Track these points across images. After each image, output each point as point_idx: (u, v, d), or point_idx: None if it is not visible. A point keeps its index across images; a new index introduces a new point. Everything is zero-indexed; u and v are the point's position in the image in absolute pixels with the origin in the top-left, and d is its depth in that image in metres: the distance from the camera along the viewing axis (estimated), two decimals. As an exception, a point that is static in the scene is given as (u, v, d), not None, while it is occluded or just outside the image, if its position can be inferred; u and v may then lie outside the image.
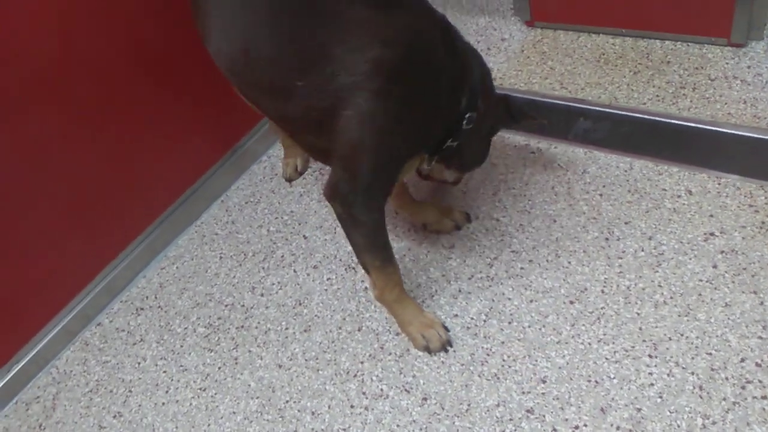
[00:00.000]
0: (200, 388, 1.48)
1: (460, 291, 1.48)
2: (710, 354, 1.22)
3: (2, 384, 1.60)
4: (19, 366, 1.62)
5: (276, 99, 1.29)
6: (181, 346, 1.59)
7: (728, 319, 1.26)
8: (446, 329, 1.40)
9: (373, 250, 1.31)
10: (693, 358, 1.22)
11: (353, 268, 1.61)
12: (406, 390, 1.34)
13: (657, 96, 1.76)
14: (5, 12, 1.39)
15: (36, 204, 1.57)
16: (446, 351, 1.38)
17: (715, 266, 1.35)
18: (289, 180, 1.94)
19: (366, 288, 1.56)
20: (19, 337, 1.64)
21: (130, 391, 1.53)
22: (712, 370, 1.20)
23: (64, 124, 1.57)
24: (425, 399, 1.32)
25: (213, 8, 1.33)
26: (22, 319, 1.63)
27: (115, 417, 1.49)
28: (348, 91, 1.16)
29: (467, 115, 1.28)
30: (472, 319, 1.42)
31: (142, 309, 1.72)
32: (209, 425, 1.40)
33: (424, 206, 1.61)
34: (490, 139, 1.50)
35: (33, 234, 1.58)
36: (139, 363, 1.59)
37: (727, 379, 1.18)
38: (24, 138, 1.50)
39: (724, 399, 1.16)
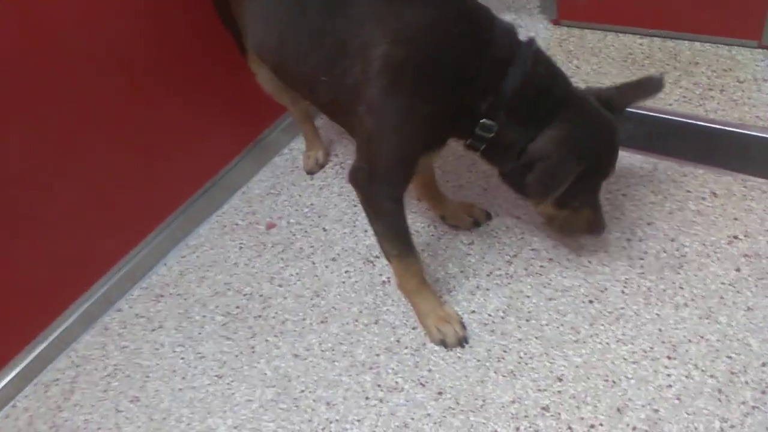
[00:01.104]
0: (217, 376, 1.49)
1: (478, 287, 1.47)
2: (730, 357, 1.21)
3: (23, 366, 1.62)
4: (40, 348, 1.65)
5: (310, 91, 1.34)
6: (199, 334, 1.60)
7: (750, 323, 1.24)
8: (463, 326, 1.39)
9: (391, 238, 1.32)
10: (713, 361, 1.21)
11: (371, 262, 1.62)
12: (421, 384, 1.34)
13: (684, 97, 1.74)
14: (37, 4, 1.42)
15: (61, 190, 1.59)
16: (462, 347, 1.38)
17: (738, 269, 1.33)
18: (311, 173, 1.95)
19: (383, 281, 1.56)
20: (40, 320, 1.66)
21: (148, 377, 1.55)
22: (732, 373, 1.18)
23: (91, 112, 1.59)
24: (440, 393, 1.32)
25: (252, 4, 1.38)
26: (43, 302, 1.65)
27: (132, 401, 1.51)
28: (362, 87, 1.17)
29: (482, 121, 1.22)
30: (489, 315, 1.41)
31: (161, 296, 1.74)
32: (225, 412, 1.41)
33: (445, 199, 1.61)
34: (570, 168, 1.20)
35: (57, 219, 1.61)
36: (157, 349, 1.60)
37: (746, 383, 1.16)
38: (52, 126, 1.52)
39: (743, 403, 1.14)
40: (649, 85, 1.29)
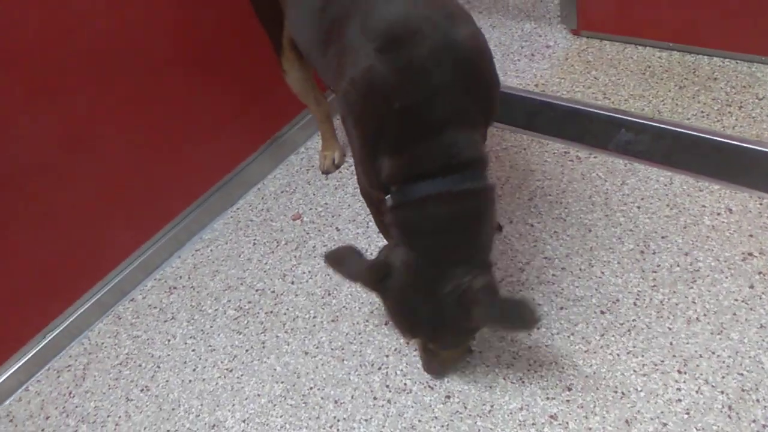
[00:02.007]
0: (227, 369, 1.51)
1: (489, 293, 1.48)
2: (742, 375, 1.21)
3: (36, 350, 1.64)
4: (53, 334, 1.67)
5: (323, 73, 1.33)
6: (211, 327, 1.61)
7: (762, 340, 1.24)
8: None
9: (378, 223, 1.42)
10: (723, 377, 1.21)
11: (384, 263, 1.63)
12: (429, 386, 1.35)
13: (702, 112, 1.74)
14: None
15: (79, 180, 1.61)
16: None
17: (752, 287, 1.33)
18: (326, 172, 1.96)
19: (396, 283, 1.57)
20: (55, 306, 1.68)
21: (159, 367, 1.56)
22: (743, 390, 1.18)
23: (111, 105, 1.61)
24: (448, 397, 1.32)
25: None
26: (59, 289, 1.67)
27: (142, 390, 1.52)
28: (339, 79, 1.15)
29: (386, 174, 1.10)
30: (500, 321, 1.42)
31: (175, 288, 1.76)
32: (233, 405, 1.43)
33: None
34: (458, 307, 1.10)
35: (75, 209, 1.63)
36: (168, 340, 1.62)
37: (758, 401, 1.16)
38: (71, 117, 1.54)
39: (754, 421, 1.14)
40: (520, 320, 1.06)
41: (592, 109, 1.85)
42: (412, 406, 1.33)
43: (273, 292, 1.65)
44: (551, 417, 1.24)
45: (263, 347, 1.53)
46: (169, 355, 1.58)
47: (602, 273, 1.44)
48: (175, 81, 1.72)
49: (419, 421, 1.30)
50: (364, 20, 1.07)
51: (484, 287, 1.08)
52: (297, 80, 1.72)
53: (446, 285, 1.08)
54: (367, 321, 1.51)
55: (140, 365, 1.58)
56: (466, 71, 1.06)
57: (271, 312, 1.61)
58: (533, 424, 1.23)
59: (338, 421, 1.34)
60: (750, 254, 1.38)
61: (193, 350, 1.58)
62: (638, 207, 1.55)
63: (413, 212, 1.09)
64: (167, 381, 1.53)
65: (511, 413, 1.26)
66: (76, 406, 1.53)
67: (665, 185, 1.58)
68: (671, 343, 1.28)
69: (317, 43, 1.24)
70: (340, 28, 1.13)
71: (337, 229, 1.77)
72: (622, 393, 1.23)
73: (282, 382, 1.44)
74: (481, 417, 1.27)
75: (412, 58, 1.02)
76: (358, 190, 1.40)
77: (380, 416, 1.33)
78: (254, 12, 1.61)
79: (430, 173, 1.07)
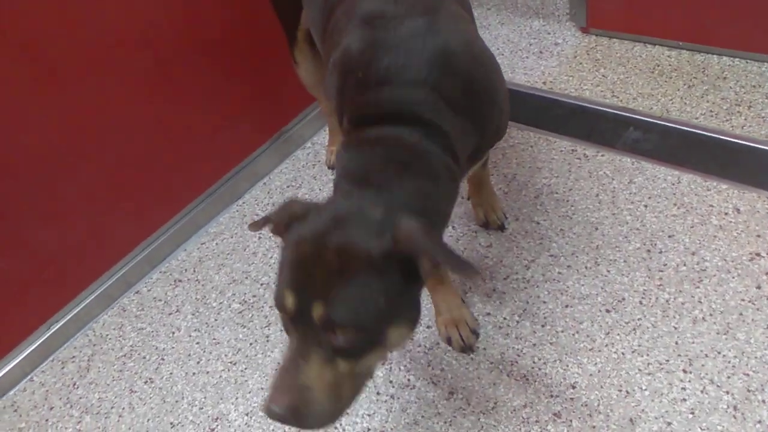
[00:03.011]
0: (231, 362, 1.51)
1: (494, 290, 1.48)
2: (747, 375, 1.20)
3: (41, 341, 1.65)
4: (58, 325, 1.67)
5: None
6: (215, 320, 1.62)
7: (769, 341, 1.24)
8: (474, 333, 1.39)
9: None
10: (729, 378, 1.20)
11: (389, 259, 1.62)
12: (433, 382, 1.35)
13: (710, 111, 1.73)
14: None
15: (86, 172, 1.61)
16: (465, 353, 1.37)
17: (759, 287, 1.32)
18: (332, 167, 1.96)
19: (400, 279, 1.57)
20: (60, 297, 1.69)
21: (163, 359, 1.57)
22: (749, 391, 1.18)
23: (119, 96, 1.61)
24: (452, 393, 1.32)
25: None
26: (64, 280, 1.68)
27: (146, 382, 1.53)
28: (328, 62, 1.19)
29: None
30: (504, 318, 1.42)
31: (180, 281, 1.76)
32: (237, 398, 1.43)
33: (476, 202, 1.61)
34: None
35: (82, 200, 1.63)
36: (173, 333, 1.62)
37: (763, 401, 1.16)
38: (79, 108, 1.55)
39: (759, 422, 1.13)
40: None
41: (600, 107, 1.84)
42: (416, 402, 1.32)
43: (278, 286, 1.65)
44: (555, 415, 1.23)
45: (267, 341, 1.53)
46: (173, 347, 1.59)
47: (608, 271, 1.43)
48: (183, 74, 1.71)
49: (422, 417, 1.30)
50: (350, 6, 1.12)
51: (419, 227, 0.86)
52: (308, 72, 1.72)
53: (366, 222, 0.88)
54: (371, 316, 1.51)
55: (144, 357, 1.59)
56: (447, 68, 1.02)
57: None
58: (537, 421, 1.23)
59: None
60: (757, 254, 1.38)
61: (198, 343, 1.58)
62: (645, 206, 1.54)
63: (347, 153, 1.02)
64: (171, 373, 1.53)
65: (514, 410, 1.26)
66: (80, 397, 1.54)
67: (673, 184, 1.57)
68: (677, 343, 1.28)
69: (322, 30, 1.27)
70: (332, 13, 1.18)
71: (343, 225, 1.76)
72: (627, 392, 1.23)
73: (286, 376, 1.44)
74: (484, 414, 1.27)
75: (388, 37, 1.03)
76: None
77: (383, 411, 1.33)
78: (271, 3, 1.61)
79: (375, 120, 1.02)
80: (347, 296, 0.84)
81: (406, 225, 0.86)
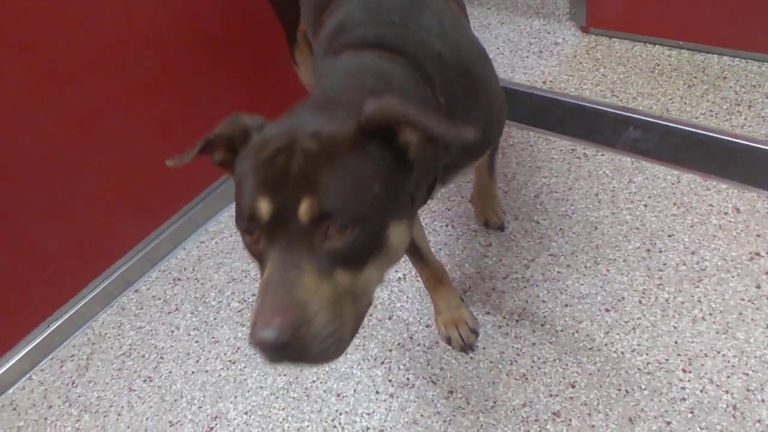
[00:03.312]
0: (230, 361, 1.51)
1: (494, 289, 1.47)
2: (747, 374, 1.20)
3: (40, 339, 1.65)
4: (57, 324, 1.67)
5: None
6: (215, 319, 1.62)
7: (768, 340, 1.24)
8: (474, 332, 1.39)
9: None
10: (728, 377, 1.20)
11: (388, 258, 1.62)
12: (432, 381, 1.35)
13: (710, 111, 1.72)
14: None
15: (87, 170, 1.61)
16: (465, 353, 1.37)
17: (758, 286, 1.32)
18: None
19: (399, 278, 1.57)
20: (60, 296, 1.68)
21: (162, 358, 1.57)
22: (748, 390, 1.18)
23: (119, 95, 1.61)
24: (451, 392, 1.32)
25: None
26: (63, 278, 1.67)
27: (145, 381, 1.53)
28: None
29: None
30: (504, 318, 1.42)
31: (179, 279, 1.76)
32: (236, 397, 1.43)
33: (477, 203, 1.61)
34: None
35: (81, 199, 1.63)
36: (172, 331, 1.62)
37: (763, 401, 1.16)
38: (80, 107, 1.54)
39: (759, 421, 1.13)
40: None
41: (599, 107, 1.84)
42: (415, 401, 1.32)
43: (277, 285, 1.65)
44: (554, 414, 1.23)
45: (266, 340, 1.53)
46: (172, 346, 1.59)
47: (608, 271, 1.43)
48: (183, 73, 1.71)
49: (421, 416, 1.30)
50: None
51: (396, 99, 0.80)
52: (308, 72, 1.71)
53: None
54: (370, 315, 1.51)
55: (143, 356, 1.58)
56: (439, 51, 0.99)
57: (275, 305, 1.60)
58: (536, 420, 1.23)
59: (340, 414, 1.34)
60: (757, 254, 1.38)
61: (197, 342, 1.58)
62: (645, 205, 1.54)
63: (324, 62, 0.99)
64: (170, 372, 1.53)
65: (514, 409, 1.26)
66: (79, 396, 1.54)
67: (673, 184, 1.57)
68: (676, 342, 1.27)
69: (313, 24, 1.26)
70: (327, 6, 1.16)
71: (342, 224, 1.76)
72: (626, 391, 1.23)
73: (285, 375, 1.44)
74: (483, 413, 1.27)
75: (381, 7, 1.03)
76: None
77: (382, 410, 1.32)
78: (271, 4, 1.61)
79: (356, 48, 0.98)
80: (340, 181, 0.71)
81: (383, 98, 0.77)
